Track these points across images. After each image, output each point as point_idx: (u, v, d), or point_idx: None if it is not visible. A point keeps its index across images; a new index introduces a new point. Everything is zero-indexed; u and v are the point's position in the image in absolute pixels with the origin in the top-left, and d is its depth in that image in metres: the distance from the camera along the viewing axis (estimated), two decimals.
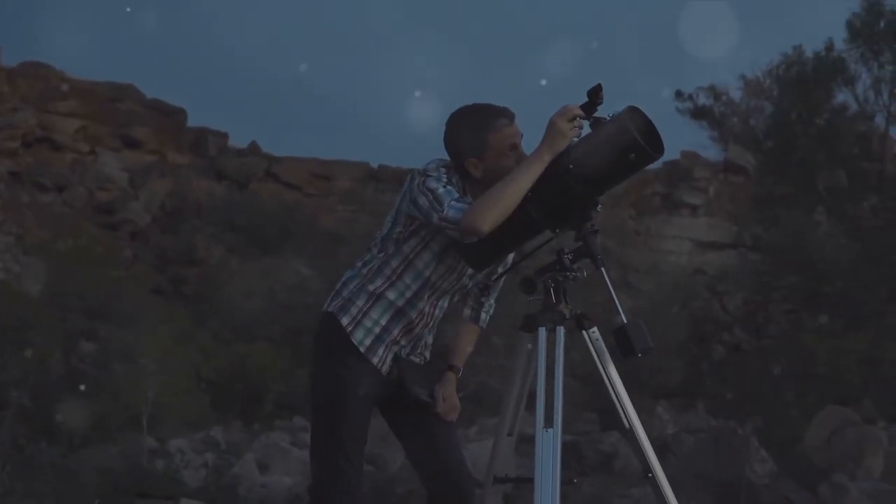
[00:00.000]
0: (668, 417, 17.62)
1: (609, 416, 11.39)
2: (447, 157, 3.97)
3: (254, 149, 34.54)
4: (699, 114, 28.46)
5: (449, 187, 3.87)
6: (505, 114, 3.89)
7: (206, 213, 30.44)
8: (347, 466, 4.01)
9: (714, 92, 28.38)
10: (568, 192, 3.61)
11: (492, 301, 4.16)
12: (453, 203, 3.79)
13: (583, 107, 3.65)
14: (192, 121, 34.36)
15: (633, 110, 3.54)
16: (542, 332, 3.59)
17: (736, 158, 29.80)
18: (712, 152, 30.12)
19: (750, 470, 11.23)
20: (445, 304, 4.06)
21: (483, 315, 4.19)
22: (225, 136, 34.51)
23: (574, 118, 3.64)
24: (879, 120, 25.93)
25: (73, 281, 21.77)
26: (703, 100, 28.30)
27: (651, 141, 3.51)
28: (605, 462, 13.73)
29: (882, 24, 24.89)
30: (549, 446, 3.37)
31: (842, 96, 25.67)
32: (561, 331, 3.58)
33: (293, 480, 11.29)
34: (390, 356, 4.03)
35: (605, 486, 10.82)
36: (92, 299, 21.25)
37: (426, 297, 3.99)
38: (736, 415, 16.43)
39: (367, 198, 30.71)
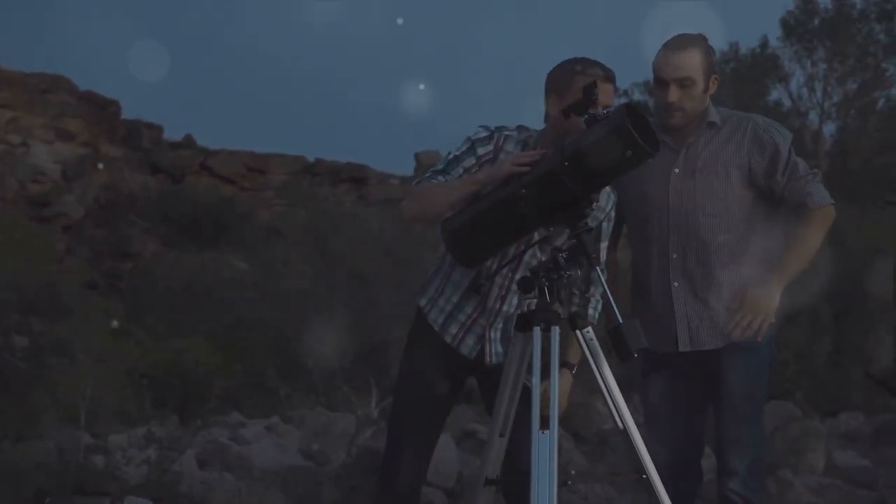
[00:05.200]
0: (607, 413, 17.71)
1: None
2: (489, 125, 4.11)
3: (188, 141, 34.29)
4: None
5: (454, 154, 4.04)
6: (603, 70, 3.96)
7: (141, 206, 30.17)
8: (403, 441, 4.13)
9: (649, 87, 28.56)
10: (562, 190, 3.60)
11: (598, 297, 4.16)
12: (424, 177, 4.00)
13: (577, 104, 3.64)
14: (126, 113, 34.07)
15: (629, 107, 3.53)
16: (537, 331, 3.57)
17: None
18: None
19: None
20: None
21: (591, 311, 4.18)
22: (159, 128, 34.23)
23: (522, 165, 3.72)
24: (813, 117, 26.27)
25: (4, 274, 21.46)
26: (637, 95, 28.50)
27: (646, 138, 3.50)
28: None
29: (816, 21, 25.21)
30: (546, 448, 3.35)
31: (776, 93, 25.99)
32: (556, 330, 3.56)
33: (234, 476, 11.19)
34: (471, 338, 4.10)
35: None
36: (25, 293, 20.97)
37: (485, 277, 4.06)
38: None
39: (303, 191, 30.62)
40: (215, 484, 10.73)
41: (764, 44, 25.57)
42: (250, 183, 33.11)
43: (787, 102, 26.06)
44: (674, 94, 4.35)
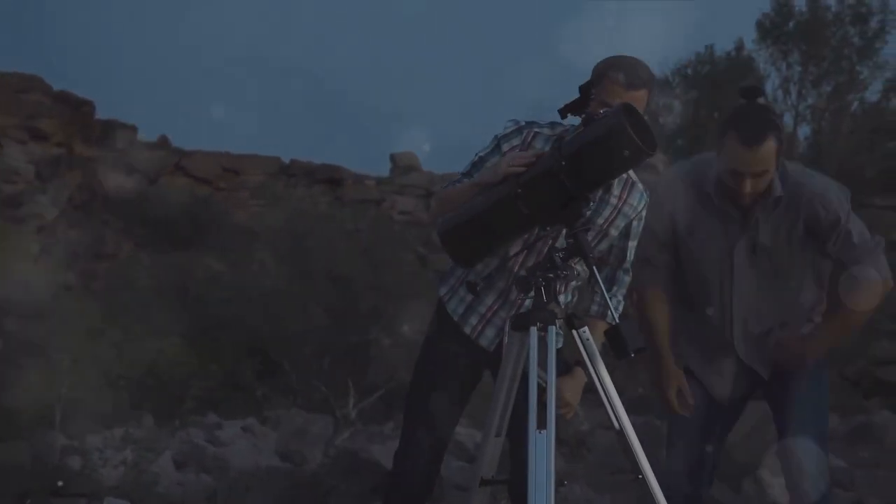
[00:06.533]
0: (582, 414, 17.74)
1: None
2: (519, 119, 4.09)
3: (163, 142, 34.16)
4: None
5: (480, 155, 4.05)
6: (639, 77, 3.94)
7: (116, 207, 30.05)
8: (419, 432, 4.12)
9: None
10: (559, 189, 3.58)
11: (619, 297, 4.14)
12: (452, 181, 4.01)
13: (574, 103, 3.63)
14: (100, 113, 33.92)
15: (627, 107, 3.51)
16: (534, 331, 3.54)
17: None
18: None
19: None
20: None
21: (610, 311, 4.12)
22: (133, 128, 34.09)
23: (518, 167, 3.71)
24: (788, 119, 26.37)
25: None
26: None
27: (644, 138, 3.48)
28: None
29: (791, 24, 25.33)
30: (543, 448, 3.34)
31: None
32: (553, 330, 3.54)
33: (211, 477, 11.16)
34: (491, 331, 4.09)
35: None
36: None
37: (505, 275, 4.06)
38: (653, 410, 16.57)
39: (278, 192, 30.57)
40: (192, 485, 10.71)
41: (740, 46, 25.71)
42: (226, 184, 33.02)
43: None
44: (748, 186, 4.25)
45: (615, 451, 12.27)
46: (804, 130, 26.49)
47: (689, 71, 25.99)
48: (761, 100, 4.31)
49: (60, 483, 9.14)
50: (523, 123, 4.09)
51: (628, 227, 4.19)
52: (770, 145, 4.18)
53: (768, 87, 25.88)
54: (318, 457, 12.14)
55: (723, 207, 4.35)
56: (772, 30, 25.43)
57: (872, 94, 25.83)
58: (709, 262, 4.41)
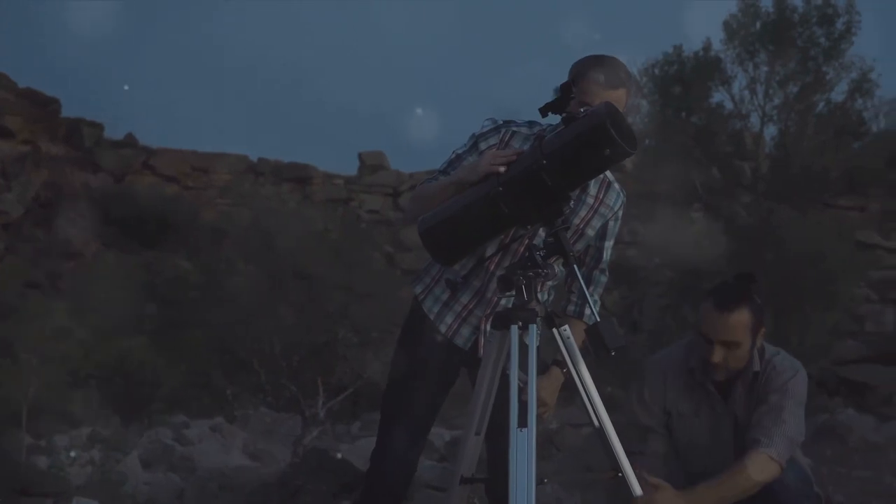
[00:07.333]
0: (553, 413, 17.75)
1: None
2: (497, 118, 4.10)
3: (130, 140, 33.98)
4: None
5: (457, 152, 4.06)
6: (618, 76, 3.92)
7: (82, 205, 29.88)
8: (395, 432, 4.10)
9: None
10: (540, 188, 3.57)
11: (596, 297, 4.14)
12: (428, 178, 4.03)
13: (554, 102, 3.63)
14: (67, 111, 33.72)
15: (608, 106, 3.51)
16: (514, 329, 3.54)
17: None
18: None
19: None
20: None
21: (587, 311, 4.16)
22: (100, 126, 33.89)
23: (499, 165, 3.70)
24: (754, 119, 26.47)
25: None
26: None
27: (625, 137, 3.48)
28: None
29: (758, 25, 25.40)
30: (524, 446, 3.35)
31: (718, 96, 26.16)
32: (534, 329, 3.54)
33: (178, 477, 11.16)
34: (466, 329, 4.08)
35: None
36: None
37: (481, 274, 4.06)
38: (621, 408, 16.61)
39: (246, 191, 30.48)
40: (160, 485, 10.70)
41: (707, 47, 25.74)
42: (193, 182, 32.88)
43: (729, 105, 26.25)
44: (718, 355, 4.20)
45: (585, 450, 12.32)
46: (770, 131, 26.59)
47: (657, 71, 26.01)
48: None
49: None
50: (501, 122, 4.09)
51: (605, 227, 4.20)
52: (743, 316, 4.17)
53: (735, 88, 25.98)
54: (287, 456, 12.16)
55: (703, 384, 4.32)
56: (738, 30, 25.49)
57: (838, 94, 25.96)
58: (695, 444, 4.38)
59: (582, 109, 3.57)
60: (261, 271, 21.63)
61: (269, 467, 12.11)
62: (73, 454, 10.93)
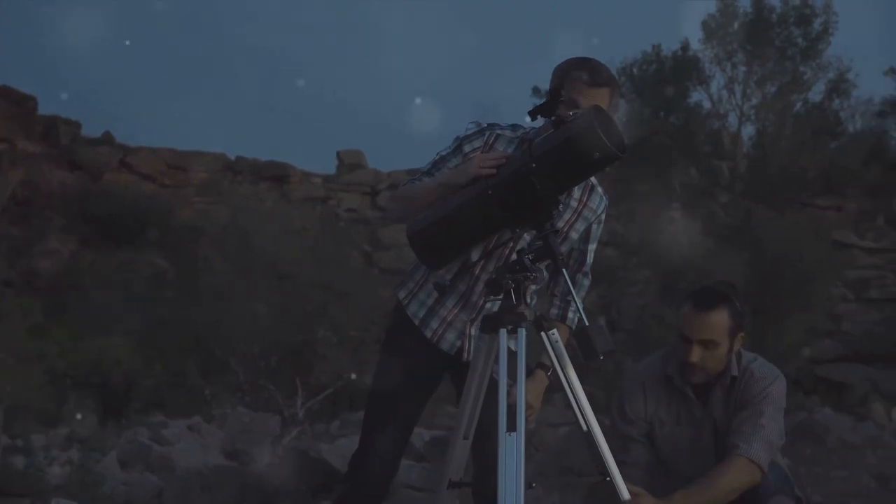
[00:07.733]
0: (536, 416, 17.68)
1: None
2: (480, 121, 4.09)
3: (107, 138, 33.85)
4: None
5: (441, 154, 4.03)
6: (601, 75, 3.92)
7: (59, 203, 29.75)
8: (378, 434, 4.09)
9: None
10: (530, 191, 3.55)
11: (578, 302, 4.15)
12: (410, 179, 3.97)
13: (544, 105, 3.61)
14: (43, 109, 33.56)
15: (598, 109, 3.50)
16: (503, 333, 3.52)
17: None
18: None
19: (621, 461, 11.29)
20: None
21: (570, 314, 4.16)
22: (77, 124, 33.75)
23: (489, 168, 3.68)
24: (732, 119, 26.58)
25: None
26: None
27: (614, 140, 3.48)
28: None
29: (736, 25, 25.51)
30: (513, 450, 3.33)
31: (697, 95, 26.26)
32: (523, 332, 3.52)
33: (156, 477, 11.12)
34: (451, 334, 4.07)
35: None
36: None
37: (466, 279, 4.05)
38: (595, 408, 16.62)
39: (224, 189, 30.40)
40: (138, 485, 10.65)
41: (685, 47, 25.83)
42: (171, 180, 32.77)
43: (707, 104, 26.36)
44: (696, 354, 4.22)
45: (563, 450, 12.33)
46: (748, 130, 26.70)
47: (636, 70, 26.06)
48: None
49: None
50: (485, 125, 4.08)
51: (588, 230, 4.20)
52: (722, 316, 4.21)
53: (713, 87, 26.08)
54: (266, 456, 12.11)
55: (682, 389, 4.34)
56: (717, 30, 25.59)
57: (815, 94, 26.09)
58: (678, 451, 4.38)
59: (571, 113, 3.55)
60: (238, 270, 21.59)
61: (248, 467, 12.09)
62: (51, 454, 10.90)
